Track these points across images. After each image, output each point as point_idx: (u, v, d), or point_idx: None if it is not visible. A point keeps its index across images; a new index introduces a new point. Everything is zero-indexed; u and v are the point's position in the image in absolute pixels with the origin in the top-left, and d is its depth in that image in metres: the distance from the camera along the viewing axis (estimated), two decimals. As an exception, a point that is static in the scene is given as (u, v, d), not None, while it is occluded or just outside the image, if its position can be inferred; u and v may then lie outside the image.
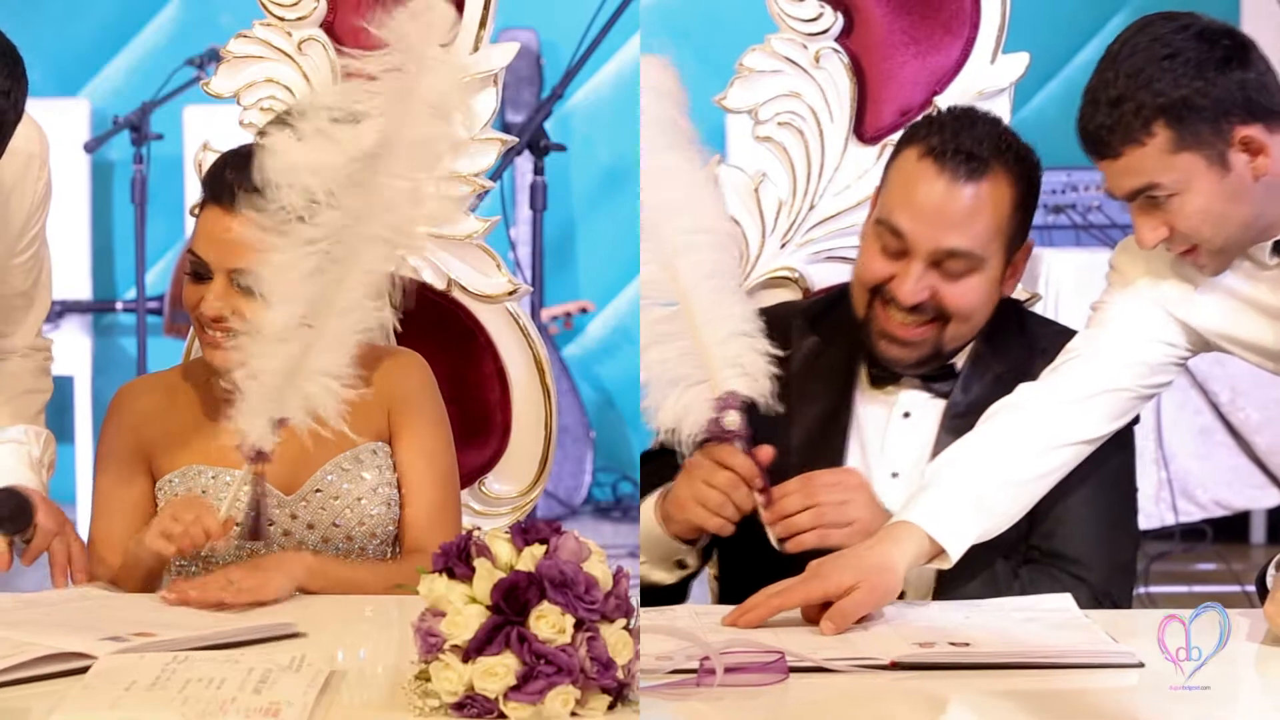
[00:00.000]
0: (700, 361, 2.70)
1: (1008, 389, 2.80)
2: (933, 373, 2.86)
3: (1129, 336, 2.78)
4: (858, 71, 3.19)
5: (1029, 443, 2.75)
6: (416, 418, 2.90)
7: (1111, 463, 2.84)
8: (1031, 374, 2.81)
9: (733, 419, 2.69)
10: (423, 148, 2.64)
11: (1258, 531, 6.30)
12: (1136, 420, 2.86)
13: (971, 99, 3.15)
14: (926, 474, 2.74)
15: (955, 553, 2.67)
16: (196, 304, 2.76)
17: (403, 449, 2.90)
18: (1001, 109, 3.18)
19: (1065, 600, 2.70)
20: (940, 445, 2.81)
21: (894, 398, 2.87)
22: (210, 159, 2.96)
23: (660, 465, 2.90)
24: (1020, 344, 2.89)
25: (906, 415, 2.88)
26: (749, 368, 2.71)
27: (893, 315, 2.80)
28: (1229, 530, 6.11)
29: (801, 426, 2.87)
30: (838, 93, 3.19)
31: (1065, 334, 2.88)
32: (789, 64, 3.17)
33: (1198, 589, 5.06)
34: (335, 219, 2.60)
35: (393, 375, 2.89)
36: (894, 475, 2.86)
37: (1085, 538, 2.82)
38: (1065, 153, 5.46)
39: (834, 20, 3.17)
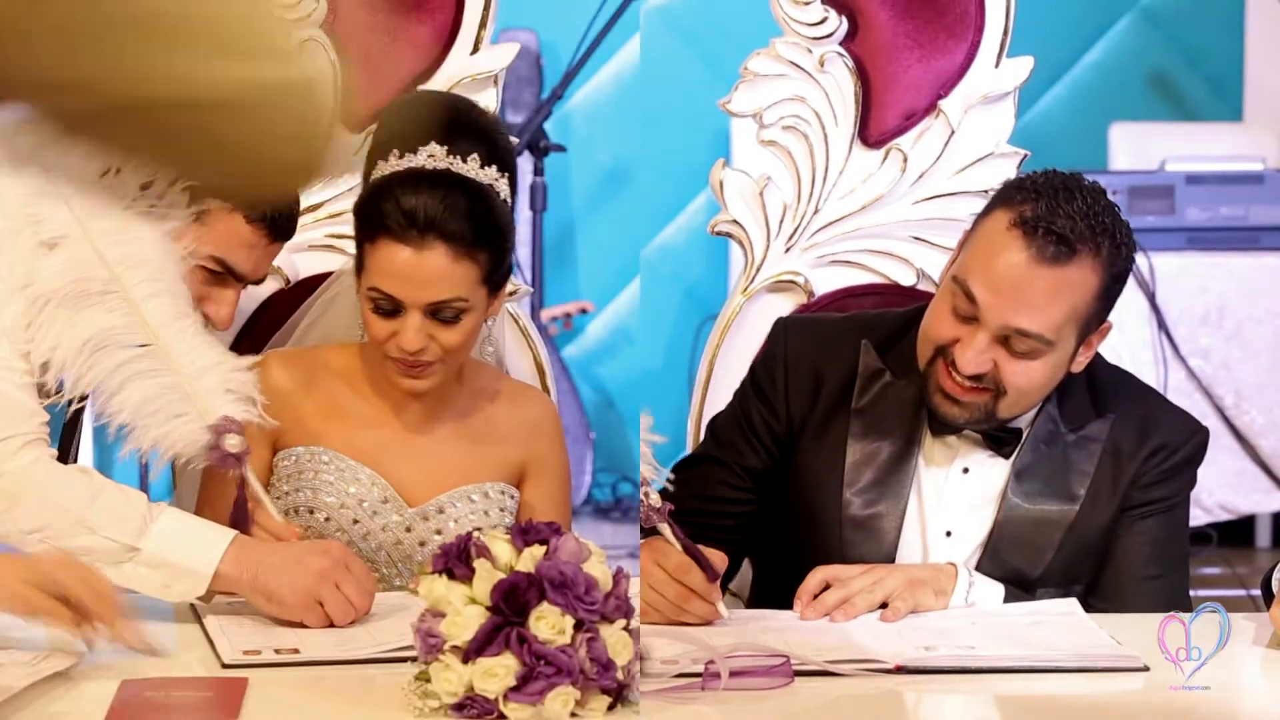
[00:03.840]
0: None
1: (1074, 453, 2.79)
2: (993, 431, 2.79)
3: None
4: (862, 75, 3.18)
5: None
6: (556, 469, 2.91)
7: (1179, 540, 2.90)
8: (1097, 436, 2.80)
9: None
10: None
11: (1263, 535, 6.29)
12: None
13: (977, 102, 3.15)
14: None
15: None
16: (388, 338, 2.72)
17: (540, 495, 2.88)
18: (1006, 113, 3.17)
19: (1071, 605, 2.70)
20: (1006, 506, 2.78)
21: (954, 451, 2.81)
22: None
23: (695, 474, 2.87)
24: (1088, 405, 2.84)
25: (966, 471, 2.81)
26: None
27: (953, 374, 2.72)
28: (1234, 534, 6.10)
29: (863, 468, 2.82)
30: (842, 96, 3.18)
31: (1133, 393, 2.86)
32: (793, 68, 3.16)
33: (1203, 593, 5.02)
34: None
35: (534, 417, 2.90)
36: (948, 534, 2.80)
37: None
38: (1070, 156, 5.43)
39: (838, 24, 3.16)
